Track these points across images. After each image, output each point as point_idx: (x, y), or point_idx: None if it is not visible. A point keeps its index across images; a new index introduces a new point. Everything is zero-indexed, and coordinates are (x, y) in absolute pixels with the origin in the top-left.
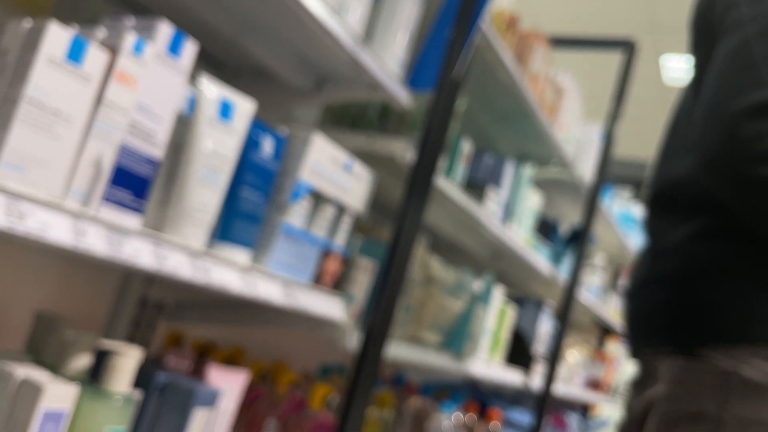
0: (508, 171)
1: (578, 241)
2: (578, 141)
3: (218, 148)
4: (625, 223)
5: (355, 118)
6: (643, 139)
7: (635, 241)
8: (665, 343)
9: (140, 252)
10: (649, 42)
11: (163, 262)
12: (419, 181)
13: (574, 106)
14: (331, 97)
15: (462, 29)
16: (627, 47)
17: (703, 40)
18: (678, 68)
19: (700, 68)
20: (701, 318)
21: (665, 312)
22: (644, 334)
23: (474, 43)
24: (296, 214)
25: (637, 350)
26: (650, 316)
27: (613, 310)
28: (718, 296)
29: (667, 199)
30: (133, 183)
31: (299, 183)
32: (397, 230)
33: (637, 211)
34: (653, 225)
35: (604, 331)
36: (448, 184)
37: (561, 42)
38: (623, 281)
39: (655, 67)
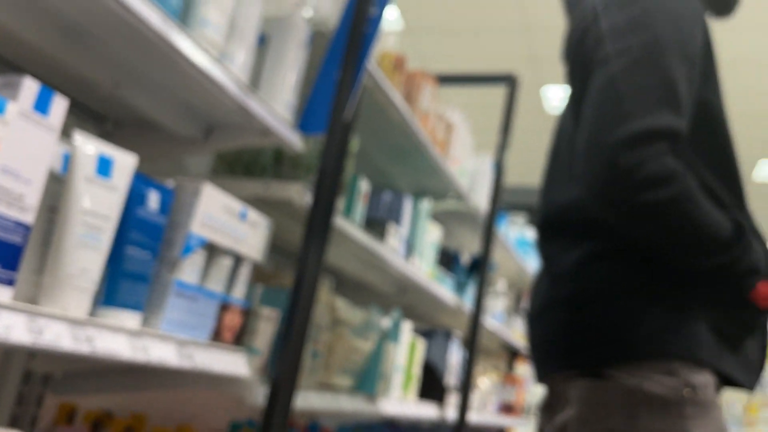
0: (407, 207)
1: (479, 269)
2: (471, 173)
3: (98, 206)
4: (521, 247)
5: (249, 164)
6: (531, 167)
7: (532, 264)
8: (570, 366)
9: (12, 327)
10: (530, 74)
11: (40, 336)
12: (318, 224)
13: (465, 140)
14: (221, 145)
15: (349, 72)
16: (509, 81)
17: (578, 71)
18: (558, 98)
19: (578, 96)
20: (601, 339)
21: (566, 335)
22: (548, 358)
23: (362, 85)
24: (189, 270)
25: (543, 374)
26: (552, 341)
27: (518, 333)
28: (615, 316)
29: (557, 224)
30: (1, 252)
31: (190, 236)
32: (299, 275)
33: (532, 235)
34: (546, 249)
35: (512, 354)
36: (348, 224)
37: (448, 79)
38: (525, 304)
39: (537, 98)
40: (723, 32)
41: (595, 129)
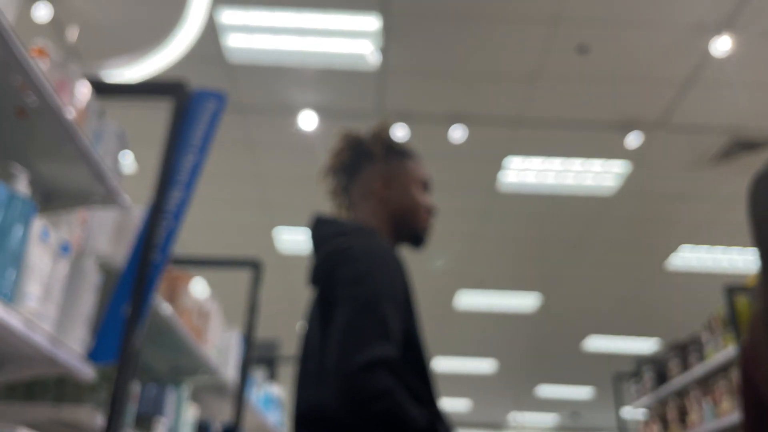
0: (170, 397)
1: None
2: (221, 348)
3: None
4: (265, 405)
5: (30, 386)
6: (266, 317)
7: (274, 418)
8: None
9: None
10: (264, 217)
11: None
12: None
13: (217, 322)
14: (12, 376)
15: (138, 307)
16: (254, 266)
17: (326, 297)
18: (289, 239)
19: (325, 317)
20: None
21: None
22: None
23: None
24: None
25: None
26: None
27: None
28: None
29: (309, 418)
30: None
31: None
32: None
33: (273, 390)
34: None
35: None
36: None
37: (198, 262)
38: None
39: (269, 238)
40: None
41: (338, 356)
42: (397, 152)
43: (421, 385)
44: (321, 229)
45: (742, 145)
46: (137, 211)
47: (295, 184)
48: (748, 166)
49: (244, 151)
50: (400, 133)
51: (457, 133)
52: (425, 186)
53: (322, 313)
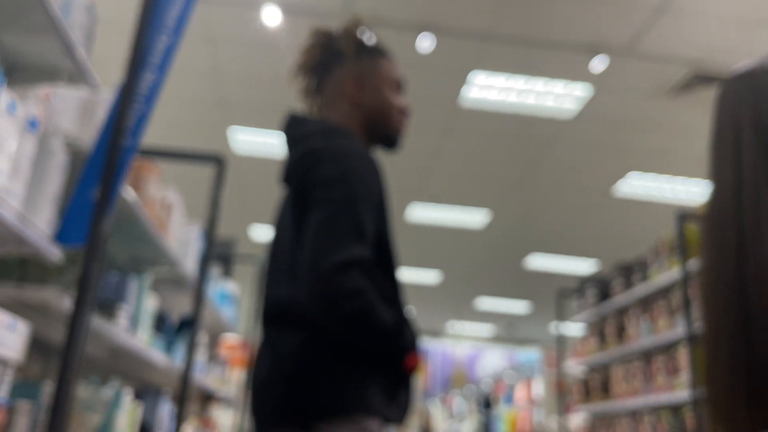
0: (132, 286)
1: (189, 329)
2: (181, 242)
3: None
4: (220, 300)
5: None
6: (222, 214)
7: (228, 313)
8: (290, 422)
9: None
10: (219, 115)
11: None
12: (78, 325)
13: (180, 215)
14: None
15: (107, 190)
16: (218, 161)
17: (301, 196)
18: (244, 140)
19: (298, 217)
20: (312, 402)
21: (287, 400)
22: (271, 417)
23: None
24: None
25: (264, 430)
26: (275, 404)
27: (212, 379)
28: (322, 385)
29: (279, 314)
30: None
31: None
32: (63, 371)
33: (229, 287)
34: (269, 332)
35: (206, 397)
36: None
37: (161, 154)
38: (221, 350)
39: (224, 137)
40: None
41: (313, 255)
42: (370, 51)
43: (389, 286)
44: (295, 129)
45: (701, 79)
46: (105, 94)
47: (254, 82)
48: (704, 100)
49: (202, 46)
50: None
51: (425, 43)
52: (398, 86)
53: (295, 211)
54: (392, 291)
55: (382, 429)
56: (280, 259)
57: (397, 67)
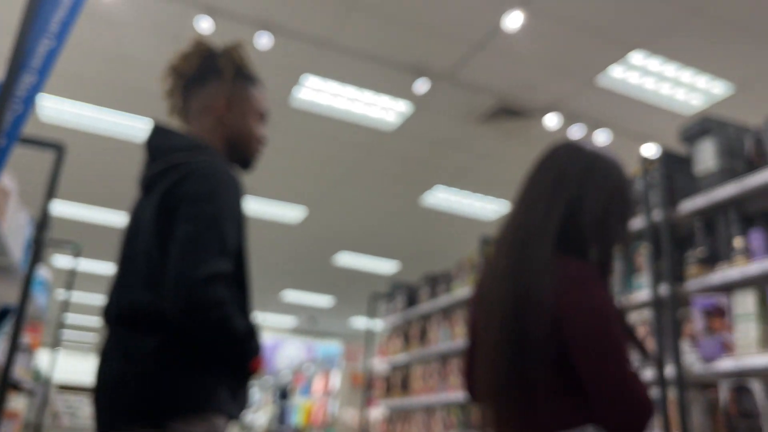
0: None
1: (10, 318)
2: (9, 228)
3: None
4: (37, 287)
5: None
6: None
7: (41, 300)
8: (142, 421)
9: None
10: None
11: None
12: None
13: (14, 202)
14: None
15: None
16: (58, 148)
17: (167, 207)
18: (52, 107)
19: (163, 228)
20: (166, 401)
21: (140, 399)
22: (121, 416)
23: None
24: None
25: (113, 429)
26: (126, 403)
27: (19, 368)
28: (176, 385)
29: (134, 317)
30: None
31: None
32: None
33: (42, 272)
34: (120, 334)
35: (11, 387)
36: None
37: None
38: (25, 339)
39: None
40: None
41: (180, 267)
42: (245, 77)
43: (242, 297)
44: (159, 140)
45: (505, 111)
46: None
47: (76, 53)
48: (505, 130)
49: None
50: (204, 24)
51: (263, 40)
52: (262, 117)
53: (159, 222)
54: (244, 301)
55: (226, 425)
56: (135, 264)
57: (265, 99)
